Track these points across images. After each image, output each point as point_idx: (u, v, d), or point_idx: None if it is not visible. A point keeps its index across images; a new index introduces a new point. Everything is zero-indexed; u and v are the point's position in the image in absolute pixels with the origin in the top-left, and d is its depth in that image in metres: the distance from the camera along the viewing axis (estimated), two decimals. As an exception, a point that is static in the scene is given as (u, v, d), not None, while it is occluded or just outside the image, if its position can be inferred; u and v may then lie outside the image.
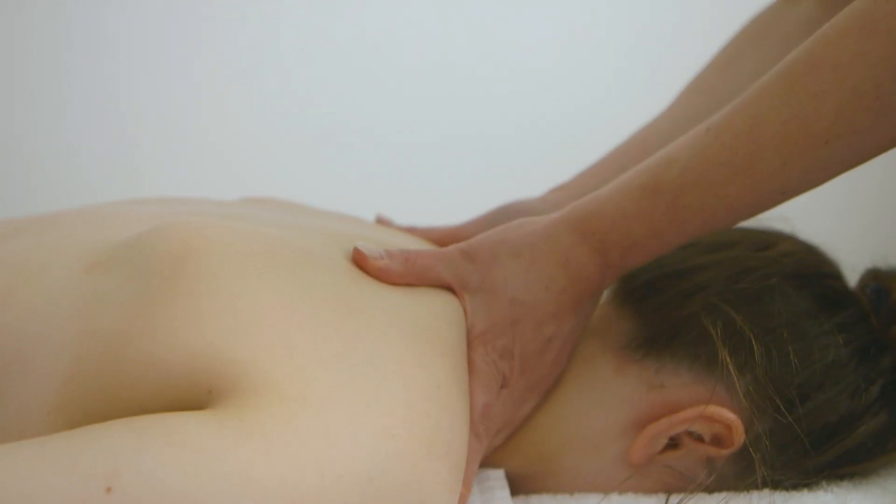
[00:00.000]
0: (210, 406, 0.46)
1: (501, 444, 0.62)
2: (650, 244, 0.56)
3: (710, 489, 0.59)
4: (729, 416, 0.58)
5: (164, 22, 1.45)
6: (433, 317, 0.54)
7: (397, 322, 0.52)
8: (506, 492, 0.61)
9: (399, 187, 1.41)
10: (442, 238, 0.73)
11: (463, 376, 0.53)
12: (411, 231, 0.75)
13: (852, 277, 0.66)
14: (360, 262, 0.56)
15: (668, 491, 0.60)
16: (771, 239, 0.66)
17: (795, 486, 0.59)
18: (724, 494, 0.59)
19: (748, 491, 0.59)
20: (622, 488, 0.61)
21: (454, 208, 1.36)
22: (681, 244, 0.57)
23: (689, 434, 0.59)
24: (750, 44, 0.82)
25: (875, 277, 0.65)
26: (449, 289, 0.58)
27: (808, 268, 0.63)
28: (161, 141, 1.46)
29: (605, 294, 0.67)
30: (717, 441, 0.59)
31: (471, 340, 0.57)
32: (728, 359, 0.58)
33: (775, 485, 0.59)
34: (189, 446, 0.42)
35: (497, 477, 0.62)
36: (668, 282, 0.61)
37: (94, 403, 0.47)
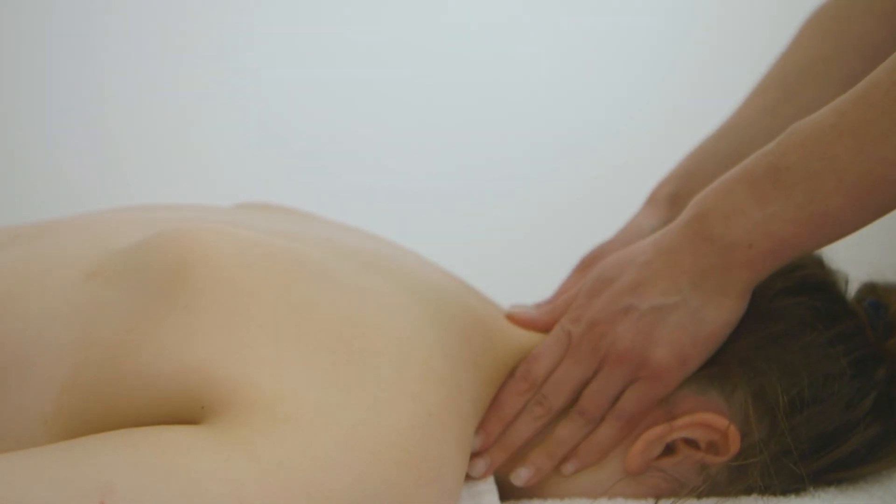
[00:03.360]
0: (204, 421, 0.46)
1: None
2: (754, 214, 0.54)
3: (699, 494, 0.60)
4: (726, 424, 0.58)
5: (154, 29, 1.43)
6: (429, 345, 0.53)
7: (391, 347, 0.51)
8: (494, 496, 0.60)
9: (394, 195, 1.41)
10: None
11: (457, 405, 0.53)
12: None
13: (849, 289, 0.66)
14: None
15: (659, 496, 0.60)
16: None
17: (784, 492, 0.60)
18: (713, 500, 0.59)
19: (737, 496, 0.59)
20: (613, 493, 0.61)
21: (448, 216, 1.37)
22: (793, 225, 0.53)
23: (685, 441, 0.60)
24: (826, 41, 0.78)
25: (872, 291, 0.65)
26: None
27: (811, 278, 0.63)
28: (149, 149, 1.44)
29: None
30: (712, 448, 0.59)
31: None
32: (728, 369, 0.59)
33: (764, 490, 0.59)
34: (183, 465, 0.42)
35: (486, 480, 0.62)
36: None
37: (92, 413, 0.47)
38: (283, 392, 0.46)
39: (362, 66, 1.46)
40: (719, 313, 0.57)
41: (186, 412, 0.46)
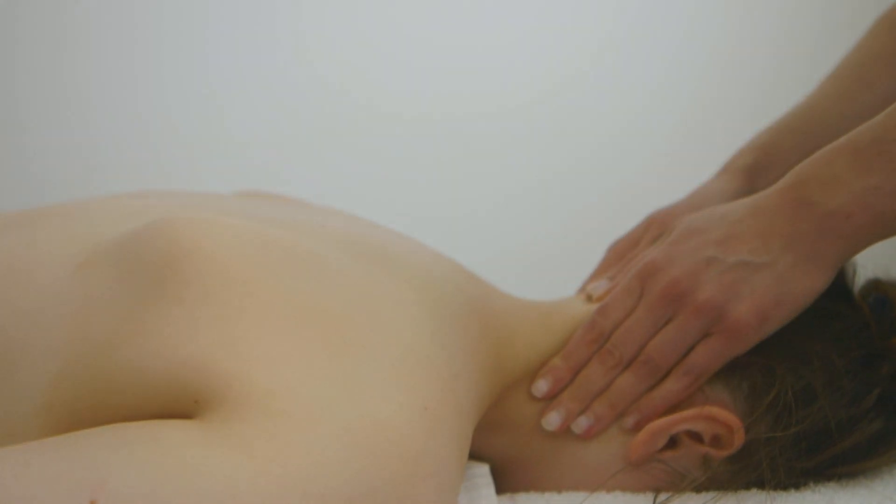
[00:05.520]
0: (197, 415, 0.45)
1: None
2: (855, 184, 0.53)
3: (698, 488, 0.59)
4: (731, 417, 0.57)
5: (158, 16, 1.43)
6: (425, 336, 0.52)
7: (387, 339, 0.50)
8: (491, 489, 0.60)
9: (392, 185, 1.41)
10: None
11: (454, 398, 0.52)
12: None
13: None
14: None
15: (658, 489, 0.60)
16: None
17: (784, 487, 0.59)
18: (712, 494, 0.59)
19: (737, 490, 0.59)
20: (612, 484, 0.61)
21: (448, 205, 1.36)
22: (893, 199, 0.52)
23: (689, 433, 0.59)
24: None
25: (876, 288, 0.64)
26: None
27: None
28: (140, 143, 1.44)
29: None
30: (715, 442, 0.59)
31: None
32: (734, 362, 0.58)
33: (764, 484, 0.58)
34: (175, 461, 0.41)
35: (482, 474, 0.62)
36: None
37: (83, 406, 0.47)
38: (277, 386, 0.45)
39: (363, 54, 1.46)
40: (806, 280, 0.56)
41: (179, 406, 0.45)
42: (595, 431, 0.60)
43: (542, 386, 0.61)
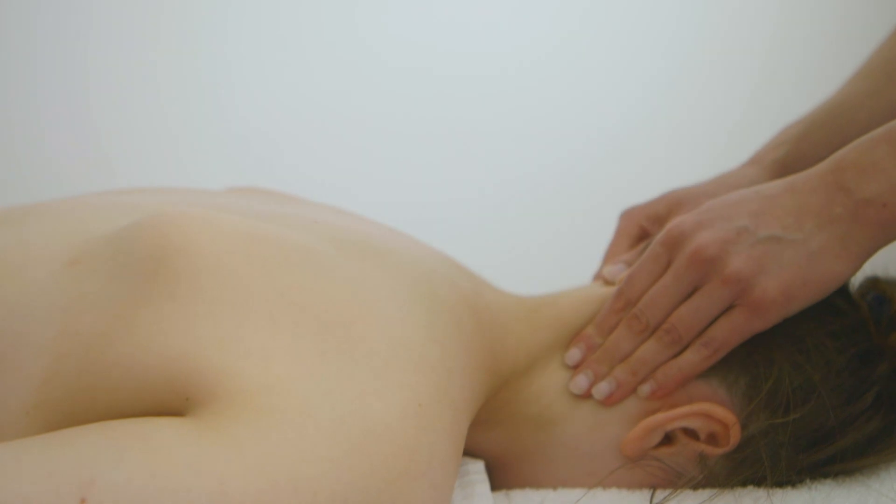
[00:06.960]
0: (188, 412, 0.45)
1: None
2: (895, 173, 0.53)
3: (695, 486, 0.59)
4: (727, 415, 0.57)
5: (158, 16, 1.44)
6: (419, 332, 0.52)
7: (381, 336, 0.50)
8: (486, 486, 0.60)
9: (389, 182, 1.41)
10: None
11: (448, 395, 0.52)
12: None
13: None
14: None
15: (654, 486, 0.60)
16: None
17: (781, 484, 0.59)
18: (709, 491, 0.58)
19: (733, 488, 0.59)
20: (609, 481, 0.60)
21: (446, 205, 1.37)
22: None
23: (685, 430, 0.59)
24: None
25: (875, 286, 0.64)
26: None
27: None
28: (136, 140, 1.45)
29: None
30: (711, 439, 0.59)
31: None
32: (731, 358, 0.58)
33: (760, 482, 0.58)
34: (166, 459, 0.41)
35: (477, 471, 0.61)
36: None
37: (74, 404, 0.46)
38: (269, 383, 0.45)
39: (358, 54, 1.47)
40: (835, 265, 0.55)
41: (170, 404, 0.45)
42: (616, 398, 0.60)
43: (574, 354, 0.62)
